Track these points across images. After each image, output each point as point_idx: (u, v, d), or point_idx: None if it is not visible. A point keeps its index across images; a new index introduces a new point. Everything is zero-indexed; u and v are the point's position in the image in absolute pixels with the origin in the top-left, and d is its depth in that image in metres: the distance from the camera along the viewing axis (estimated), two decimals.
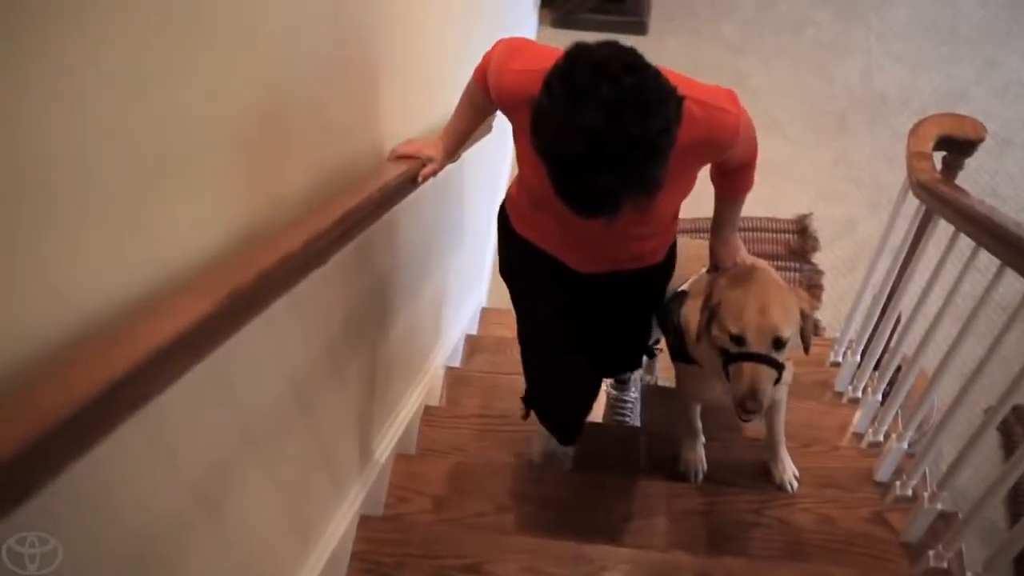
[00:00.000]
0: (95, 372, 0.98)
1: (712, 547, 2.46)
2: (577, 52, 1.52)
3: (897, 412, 2.76)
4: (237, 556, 1.72)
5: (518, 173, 2.16)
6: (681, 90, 1.55)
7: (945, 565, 2.19)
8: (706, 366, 2.35)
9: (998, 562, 1.97)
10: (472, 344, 3.79)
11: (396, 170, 2.13)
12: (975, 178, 2.26)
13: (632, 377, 3.17)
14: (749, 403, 2.07)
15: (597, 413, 3.01)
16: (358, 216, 1.80)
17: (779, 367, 2.11)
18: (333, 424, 2.20)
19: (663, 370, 3.22)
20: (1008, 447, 3.44)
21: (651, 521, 2.59)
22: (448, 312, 3.47)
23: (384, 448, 2.61)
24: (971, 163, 2.73)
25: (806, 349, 2.23)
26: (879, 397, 2.89)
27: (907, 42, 5.72)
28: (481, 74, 2.07)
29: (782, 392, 2.55)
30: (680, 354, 2.45)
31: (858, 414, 2.98)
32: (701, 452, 2.80)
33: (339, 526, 2.25)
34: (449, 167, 2.43)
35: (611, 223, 1.74)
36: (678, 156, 1.65)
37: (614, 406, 3.18)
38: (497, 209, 2.31)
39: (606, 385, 3.16)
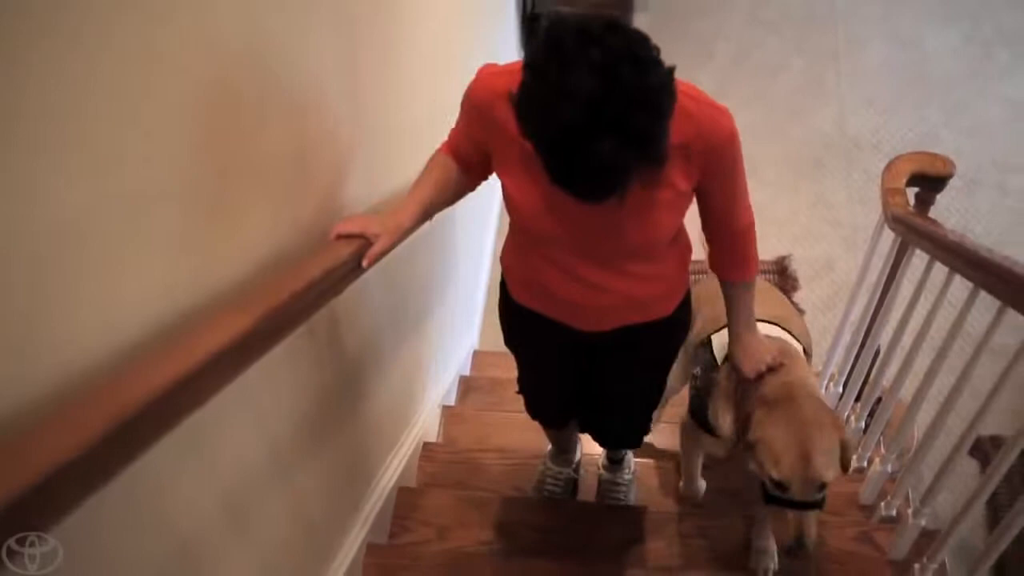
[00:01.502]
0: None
1: (707, 564, 2.54)
2: (556, 22, 1.41)
3: (879, 439, 2.85)
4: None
5: (509, 225, 2.04)
6: (679, 84, 1.47)
7: None
8: (722, 431, 2.25)
9: (979, 569, 2.06)
10: (466, 384, 3.88)
11: (328, 259, 1.71)
12: (946, 216, 2.38)
13: (627, 458, 2.98)
14: (797, 551, 2.01)
15: (588, 494, 2.99)
16: (245, 347, 1.34)
17: (822, 505, 2.02)
18: (329, 470, 2.21)
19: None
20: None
21: (651, 544, 2.67)
22: (442, 352, 3.55)
23: (388, 480, 2.69)
24: (943, 202, 2.86)
25: (845, 470, 2.08)
26: (862, 425, 2.99)
27: (878, 86, 5.89)
28: (448, 142, 2.00)
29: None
30: (697, 414, 2.38)
31: None
32: (701, 483, 2.78)
33: (347, 554, 2.31)
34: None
35: (611, 231, 1.73)
36: (674, 152, 1.60)
37: (607, 490, 2.97)
38: (487, 246, 2.25)
39: (598, 467, 3.02)
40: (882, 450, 2.78)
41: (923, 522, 2.41)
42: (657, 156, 1.45)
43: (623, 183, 1.46)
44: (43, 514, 0.92)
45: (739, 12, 6.52)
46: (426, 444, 3.15)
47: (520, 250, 2.05)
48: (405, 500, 2.77)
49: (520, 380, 2.49)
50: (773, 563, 2.51)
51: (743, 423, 2.06)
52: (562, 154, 1.42)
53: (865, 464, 2.88)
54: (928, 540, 2.38)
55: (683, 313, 2.19)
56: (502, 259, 2.16)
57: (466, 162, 1.95)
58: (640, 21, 5.99)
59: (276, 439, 1.80)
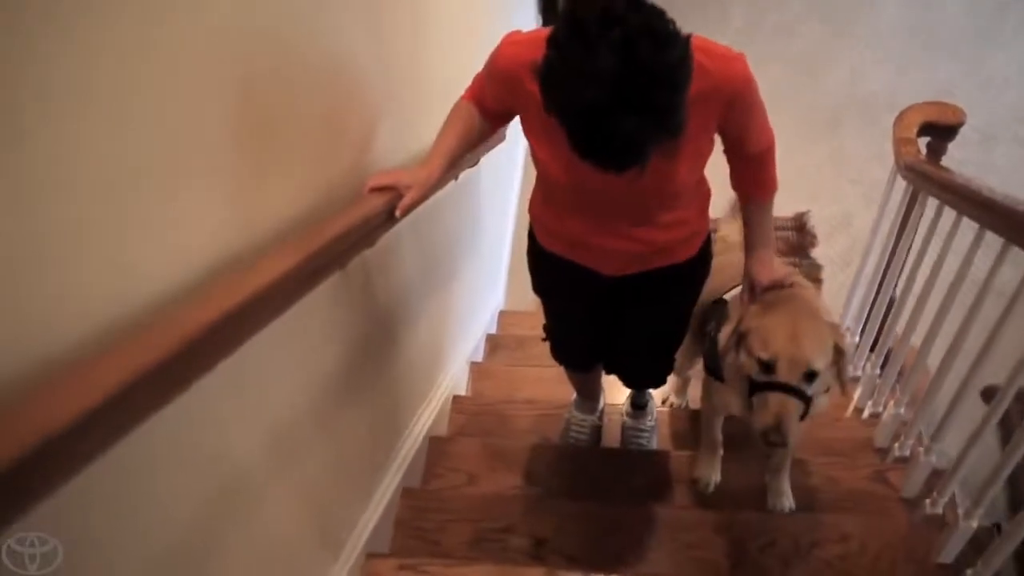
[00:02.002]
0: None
1: (727, 503, 2.63)
2: (576, 4, 1.46)
3: (895, 385, 2.94)
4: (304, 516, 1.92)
5: (536, 177, 2.11)
6: (693, 40, 1.50)
7: (940, 511, 2.39)
8: (732, 385, 2.28)
9: (983, 497, 2.15)
10: (493, 342, 4.00)
11: (363, 208, 1.83)
12: (962, 169, 2.42)
13: (649, 405, 3.05)
14: (772, 436, 1.95)
15: (612, 441, 3.07)
16: (305, 272, 1.51)
17: (808, 401, 1.99)
18: (368, 416, 2.33)
19: (693, 400, 3.22)
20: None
21: (673, 486, 2.78)
22: (469, 310, 3.67)
23: (420, 429, 2.81)
24: (958, 155, 2.92)
25: (843, 388, 2.14)
26: (877, 372, 3.07)
27: (892, 45, 5.93)
28: (470, 91, 2.06)
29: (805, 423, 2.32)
30: (712, 368, 2.39)
31: (858, 390, 3.17)
32: (717, 465, 2.72)
33: (383, 498, 2.44)
34: (468, 171, 2.59)
35: (635, 182, 1.72)
36: (692, 109, 1.61)
37: (631, 436, 3.04)
38: (511, 210, 2.29)
39: (622, 414, 3.09)
40: (896, 394, 2.86)
41: (934, 459, 2.50)
42: (677, 128, 1.50)
43: (645, 155, 1.51)
44: (119, 423, 1.00)
45: None
46: (456, 397, 3.28)
47: (547, 200, 2.13)
48: (437, 448, 2.90)
49: (547, 326, 2.57)
50: (790, 503, 2.58)
51: (737, 329, 2.11)
52: (585, 130, 1.47)
53: (881, 409, 2.97)
54: (938, 478, 2.48)
55: (704, 256, 2.27)
56: (530, 208, 2.23)
57: (489, 110, 2.03)
58: None
59: (317, 384, 1.92)
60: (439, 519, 2.54)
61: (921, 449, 2.54)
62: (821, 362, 1.97)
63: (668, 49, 1.40)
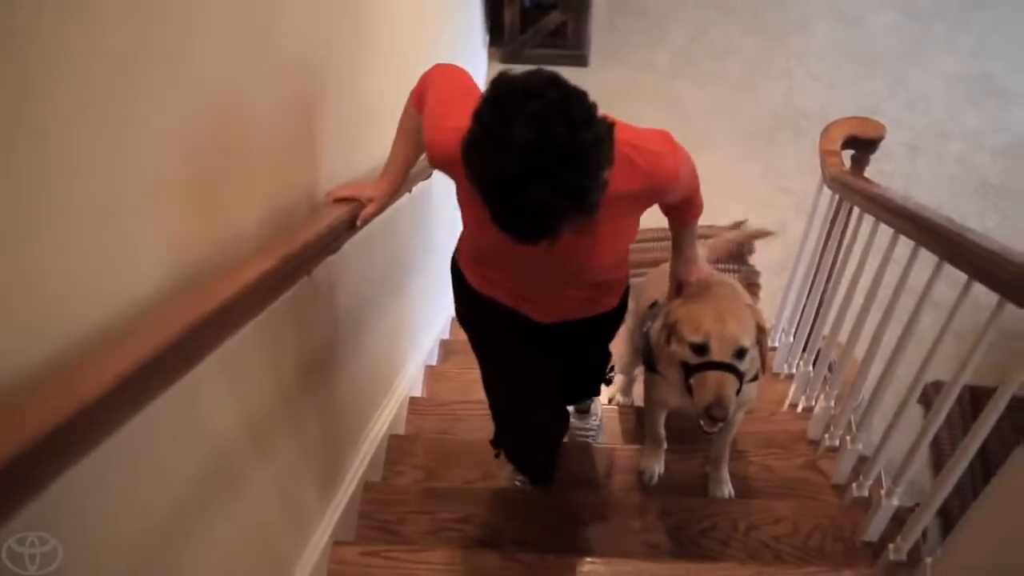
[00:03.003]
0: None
1: (671, 492, 2.79)
2: (501, 80, 1.52)
3: (825, 380, 3.14)
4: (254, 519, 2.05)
5: (463, 226, 2.13)
6: (619, 134, 1.57)
7: (866, 494, 2.59)
8: (669, 378, 2.40)
9: (902, 475, 2.35)
10: (446, 347, 4.16)
11: (329, 217, 1.96)
12: (889, 181, 2.60)
13: (593, 406, 3.16)
14: (715, 410, 2.06)
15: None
16: (271, 283, 1.62)
17: (741, 376, 2.13)
18: (332, 413, 2.46)
19: (638, 398, 3.32)
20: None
21: (618, 476, 2.95)
22: (423, 316, 3.81)
23: (380, 427, 2.95)
24: (887, 168, 3.15)
25: (763, 365, 2.28)
26: (809, 369, 3.27)
27: (825, 64, 6.19)
28: (418, 99, 2.04)
29: (740, 414, 2.62)
30: (650, 364, 2.50)
31: (792, 386, 3.37)
32: (661, 457, 2.86)
33: (347, 489, 2.58)
34: (420, 184, 2.72)
35: (560, 257, 1.81)
36: (621, 202, 1.75)
37: (577, 434, 3.14)
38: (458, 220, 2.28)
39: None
40: (826, 389, 3.06)
41: (860, 447, 2.70)
42: (587, 207, 1.53)
43: (554, 229, 1.53)
44: (102, 426, 1.06)
45: None
46: (412, 398, 3.42)
47: (473, 251, 2.17)
48: (396, 445, 3.03)
49: (496, 428, 2.64)
50: (729, 490, 2.78)
51: (666, 322, 2.24)
52: (499, 199, 1.50)
53: (813, 403, 3.17)
54: (864, 463, 2.67)
55: (624, 300, 2.38)
56: (459, 248, 2.28)
57: None
58: (599, 1, 6.28)
59: (286, 382, 2.05)
60: (400, 511, 2.67)
61: (848, 438, 2.74)
62: (748, 339, 2.12)
63: (582, 130, 1.45)
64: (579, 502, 2.74)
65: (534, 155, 1.42)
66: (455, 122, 1.72)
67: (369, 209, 2.11)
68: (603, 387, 2.97)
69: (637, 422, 3.29)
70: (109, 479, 1.25)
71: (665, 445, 2.85)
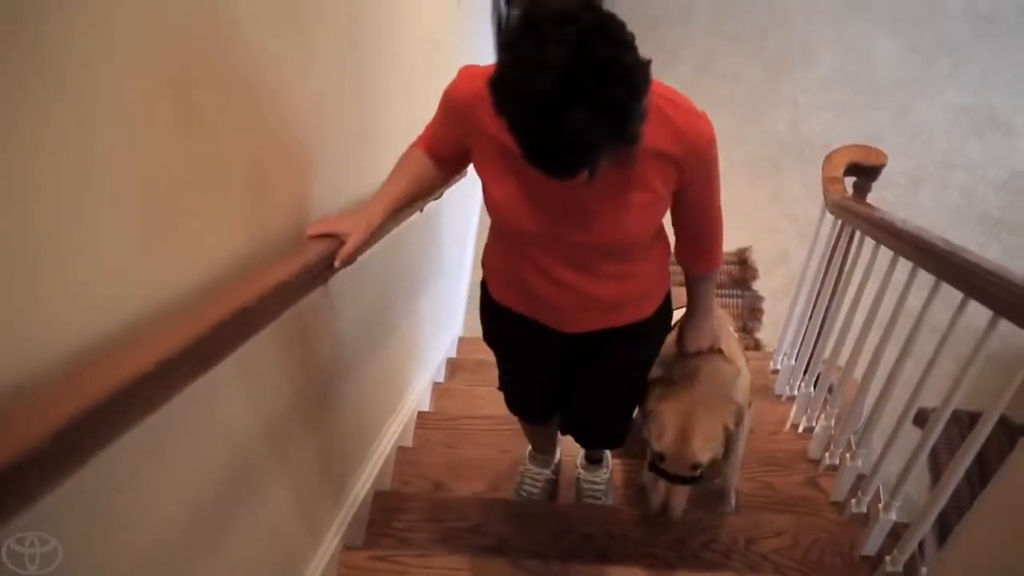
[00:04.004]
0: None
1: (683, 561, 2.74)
2: (531, 6, 1.38)
3: (824, 401, 3.20)
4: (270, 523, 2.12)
5: (490, 228, 2.08)
6: (655, 87, 1.47)
7: (865, 510, 2.64)
8: None
9: (898, 491, 2.41)
10: (453, 365, 4.23)
11: (301, 259, 1.70)
12: (892, 211, 2.69)
13: (604, 458, 2.99)
14: (661, 515, 2.29)
15: (566, 494, 3.04)
16: (236, 326, 1.40)
17: (696, 482, 2.24)
18: (343, 424, 2.51)
19: None
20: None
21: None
22: (432, 333, 3.88)
23: (389, 440, 3.02)
24: (890, 198, 3.22)
25: (726, 456, 2.28)
26: (811, 391, 3.32)
27: (830, 93, 6.28)
28: (423, 139, 2.00)
29: (741, 439, 2.51)
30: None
31: (794, 407, 3.43)
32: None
33: (357, 497, 2.64)
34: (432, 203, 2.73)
35: (586, 226, 1.74)
36: (652, 162, 1.67)
37: (585, 489, 2.95)
38: (470, 240, 2.18)
39: (576, 467, 3.01)
40: (827, 409, 3.12)
41: (859, 464, 2.76)
42: (631, 136, 1.44)
43: (593, 158, 1.44)
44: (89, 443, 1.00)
45: (701, 23, 6.87)
46: (420, 413, 3.49)
47: (501, 251, 2.09)
48: (404, 458, 3.11)
49: (501, 377, 2.53)
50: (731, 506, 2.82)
51: (644, 407, 2.29)
52: (534, 126, 1.40)
53: (814, 424, 3.23)
54: (863, 481, 2.73)
55: (662, 315, 2.21)
56: (483, 261, 2.21)
57: (441, 157, 1.97)
58: None
59: (302, 393, 2.11)
60: (409, 519, 2.73)
61: (847, 456, 2.80)
62: (706, 456, 2.18)
63: (624, 51, 1.36)
64: (584, 514, 2.79)
65: (572, 75, 1.32)
66: (474, 71, 1.75)
67: (348, 246, 1.81)
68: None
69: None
70: (129, 477, 1.28)
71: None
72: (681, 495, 2.25)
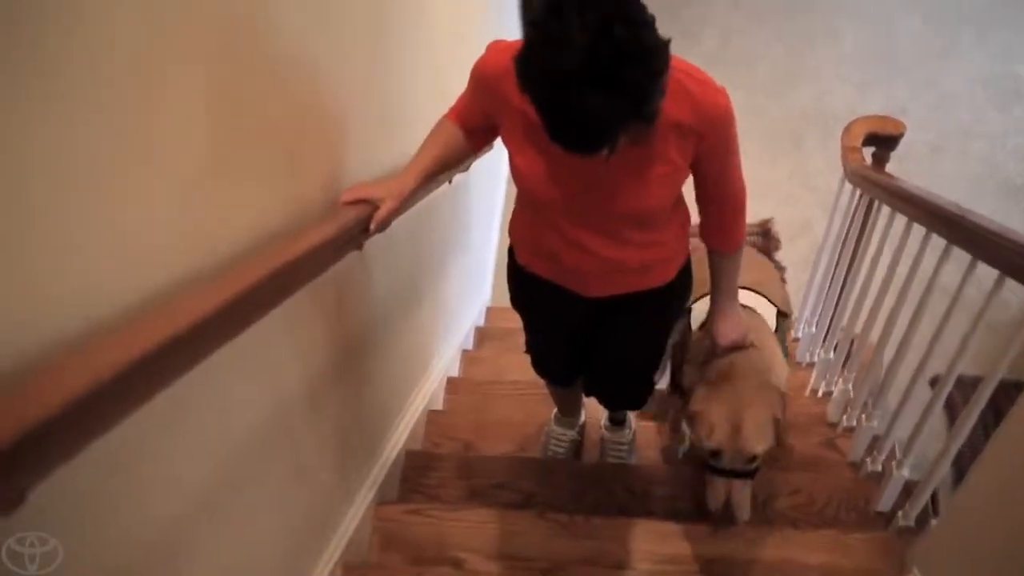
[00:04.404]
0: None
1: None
2: None
3: (843, 365, 3.28)
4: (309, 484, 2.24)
5: (516, 195, 2.14)
6: (674, 62, 1.52)
7: (880, 468, 2.73)
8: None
9: (910, 448, 2.50)
10: (481, 333, 4.36)
11: (339, 221, 1.80)
12: (912, 180, 2.75)
13: (628, 419, 3.05)
14: (724, 516, 2.22)
15: (591, 454, 3.14)
16: (284, 278, 1.52)
17: (754, 474, 2.21)
18: (376, 385, 2.61)
19: None
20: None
21: (646, 452, 3.12)
22: (460, 302, 3.99)
23: (420, 401, 3.15)
24: (910, 167, 3.27)
25: (779, 445, 2.26)
26: (830, 356, 3.40)
27: (853, 67, 6.29)
28: (454, 111, 2.07)
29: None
30: (675, 383, 2.58)
31: (813, 373, 3.52)
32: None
33: (390, 456, 2.76)
34: (460, 175, 2.83)
35: (609, 197, 1.80)
36: (672, 132, 1.71)
37: (609, 449, 3.05)
38: (497, 211, 2.22)
39: (601, 428, 3.10)
40: (844, 374, 3.20)
41: (875, 424, 2.85)
42: (647, 113, 1.49)
43: (612, 135, 1.50)
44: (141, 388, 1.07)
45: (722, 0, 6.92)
46: (450, 378, 3.62)
47: (526, 219, 2.16)
48: (434, 420, 3.24)
49: (527, 341, 2.61)
50: (747, 514, 2.54)
51: (687, 397, 2.30)
52: (556, 105, 1.46)
53: (832, 389, 3.31)
54: (877, 442, 2.82)
55: (682, 279, 2.26)
56: (510, 229, 2.27)
57: (471, 128, 2.05)
58: None
59: (340, 357, 2.22)
60: (438, 477, 2.86)
61: (863, 417, 2.89)
62: (762, 445, 2.17)
63: (643, 32, 1.42)
64: (607, 472, 2.91)
65: (594, 57, 1.37)
66: (502, 46, 1.81)
67: (382, 212, 1.91)
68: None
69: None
70: (182, 421, 1.37)
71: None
72: (744, 493, 2.22)
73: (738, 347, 2.31)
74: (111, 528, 1.21)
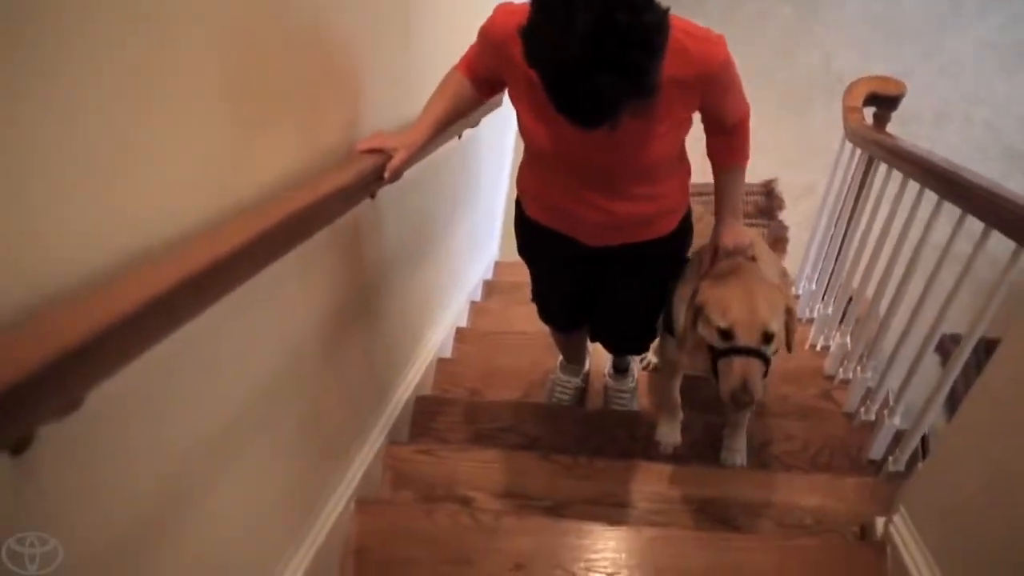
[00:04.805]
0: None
1: (693, 407, 2.92)
2: None
3: (840, 320, 3.38)
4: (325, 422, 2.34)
5: (523, 149, 2.19)
6: (674, 22, 1.59)
7: (872, 418, 2.83)
8: (694, 360, 2.37)
9: (901, 397, 2.61)
10: (489, 287, 4.47)
11: (355, 168, 1.90)
12: (918, 145, 2.83)
13: (630, 368, 3.14)
14: (741, 396, 2.04)
15: (595, 401, 3.24)
16: (302, 222, 1.60)
17: (767, 361, 2.09)
18: (387, 332, 2.70)
19: None
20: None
21: (649, 399, 3.23)
22: (469, 254, 4.11)
23: (430, 350, 3.25)
24: (915, 131, 3.33)
25: (789, 346, 2.22)
26: (828, 311, 3.50)
27: (859, 31, 6.30)
28: (464, 62, 2.14)
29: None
30: (668, 326, 2.50)
31: (812, 328, 3.62)
32: (678, 427, 2.79)
33: (400, 400, 2.86)
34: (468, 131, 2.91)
35: (613, 152, 1.87)
36: (671, 88, 1.76)
37: (612, 396, 3.15)
38: (505, 169, 2.28)
39: (604, 375, 3.19)
40: (841, 327, 3.30)
41: (869, 376, 2.95)
42: (648, 89, 1.58)
43: (615, 112, 1.60)
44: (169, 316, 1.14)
45: None
46: (459, 328, 3.73)
47: (533, 172, 2.23)
48: (443, 368, 3.35)
49: (533, 289, 2.71)
50: (742, 459, 2.78)
51: (693, 304, 2.20)
52: (562, 84, 1.56)
53: (830, 344, 3.41)
54: (871, 394, 2.92)
55: (683, 229, 2.36)
56: (518, 180, 2.36)
57: (479, 80, 2.12)
58: None
59: (352, 303, 2.31)
60: (447, 421, 2.98)
61: (858, 369, 2.99)
62: (776, 324, 2.07)
63: (644, 13, 1.48)
64: (610, 418, 3.02)
65: (597, 42, 1.45)
66: (514, 7, 1.86)
67: (396, 160, 2.01)
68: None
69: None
70: (199, 364, 1.43)
71: (681, 414, 2.79)
72: (757, 372, 2.06)
73: (741, 252, 2.30)
74: (133, 466, 1.27)
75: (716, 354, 2.12)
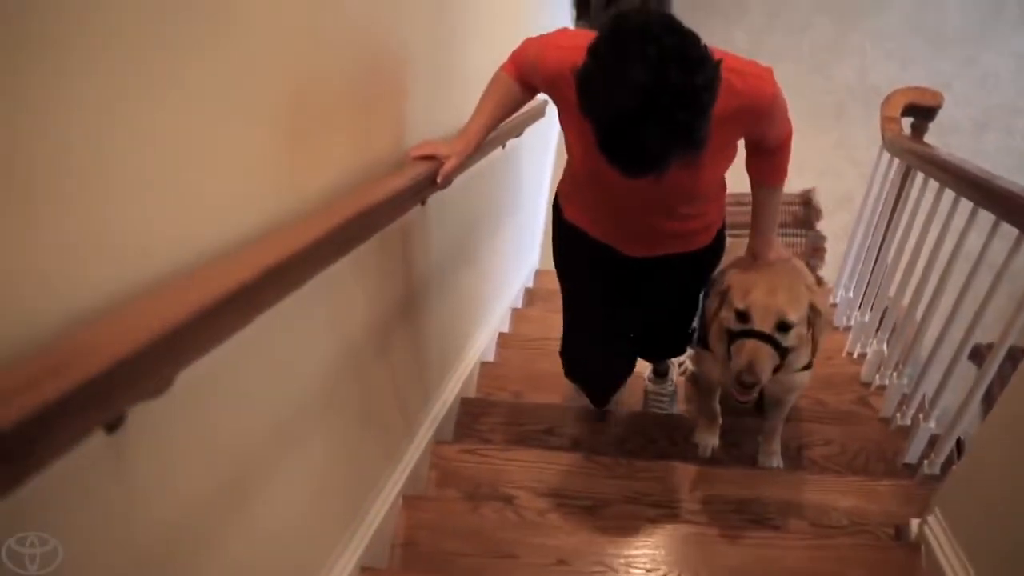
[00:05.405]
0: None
1: (730, 413, 2.97)
2: (619, 18, 1.54)
3: (878, 328, 3.42)
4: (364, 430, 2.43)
5: (567, 159, 2.22)
6: (724, 62, 1.59)
7: (908, 423, 2.88)
8: (716, 352, 2.40)
9: (936, 401, 2.66)
10: (530, 294, 4.56)
11: (410, 173, 1.97)
12: (957, 155, 2.88)
13: (670, 372, 3.18)
14: (746, 376, 2.06)
15: (635, 402, 3.28)
16: (364, 223, 1.68)
17: (783, 351, 2.11)
18: (434, 334, 2.77)
19: None
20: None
21: (686, 405, 3.29)
22: (511, 262, 4.19)
23: (474, 354, 3.34)
24: (953, 142, 3.37)
25: (814, 349, 2.26)
26: (865, 319, 3.54)
27: (897, 42, 6.32)
28: (513, 66, 2.13)
29: (791, 397, 2.64)
30: (701, 337, 2.53)
31: (850, 335, 3.66)
32: (716, 431, 2.85)
33: (444, 404, 2.94)
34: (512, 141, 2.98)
35: (659, 184, 1.77)
36: (720, 125, 1.72)
37: (651, 399, 3.21)
38: (546, 178, 2.29)
39: (644, 379, 3.22)
40: (878, 335, 3.35)
41: (905, 382, 2.99)
42: (698, 144, 1.61)
43: (663, 166, 1.62)
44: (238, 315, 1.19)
45: None
46: (501, 334, 3.82)
47: (576, 182, 2.27)
48: (486, 371, 3.44)
49: (564, 334, 2.79)
50: (778, 462, 2.82)
51: (719, 289, 2.26)
52: (612, 136, 1.58)
53: (867, 351, 3.45)
54: (907, 399, 2.96)
55: (719, 240, 2.41)
56: (559, 186, 2.40)
57: (528, 85, 2.14)
58: None
59: (400, 298, 2.38)
60: (490, 422, 3.06)
61: (895, 375, 3.03)
62: (794, 314, 2.10)
63: (697, 73, 1.50)
64: (649, 421, 3.09)
65: (650, 97, 1.47)
66: (568, 42, 1.87)
67: (448, 166, 2.09)
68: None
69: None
70: (258, 364, 1.48)
71: (720, 420, 2.85)
72: (766, 357, 2.09)
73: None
74: (190, 463, 1.31)
75: (731, 336, 2.17)
